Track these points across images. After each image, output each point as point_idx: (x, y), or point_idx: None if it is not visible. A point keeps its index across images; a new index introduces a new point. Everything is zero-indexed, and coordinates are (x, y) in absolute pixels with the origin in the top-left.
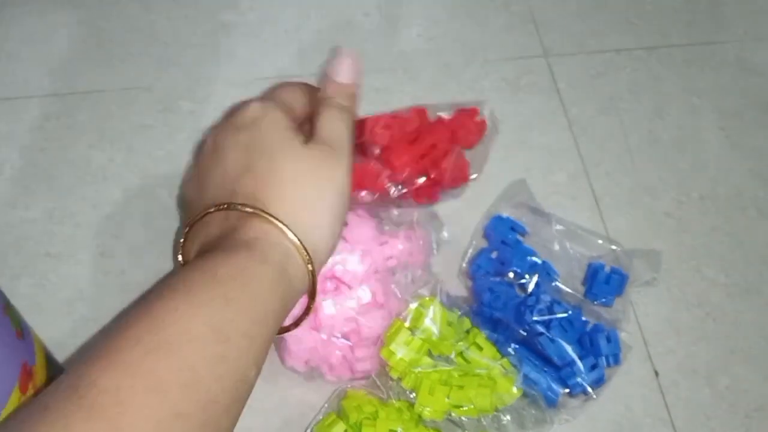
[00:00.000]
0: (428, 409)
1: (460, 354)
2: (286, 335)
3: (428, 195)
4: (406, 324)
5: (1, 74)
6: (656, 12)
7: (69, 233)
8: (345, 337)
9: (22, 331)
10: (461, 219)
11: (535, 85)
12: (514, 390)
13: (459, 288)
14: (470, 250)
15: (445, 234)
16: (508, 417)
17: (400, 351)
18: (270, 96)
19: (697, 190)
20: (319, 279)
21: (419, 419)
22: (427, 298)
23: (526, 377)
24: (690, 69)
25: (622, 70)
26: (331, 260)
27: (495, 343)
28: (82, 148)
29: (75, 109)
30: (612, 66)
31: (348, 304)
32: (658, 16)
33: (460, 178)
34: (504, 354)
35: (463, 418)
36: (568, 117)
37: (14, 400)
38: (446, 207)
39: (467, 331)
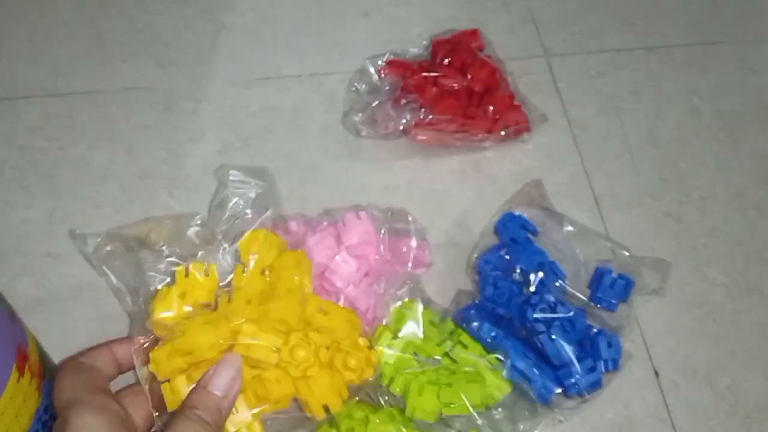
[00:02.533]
0: (419, 410)
1: (446, 354)
2: None
3: (487, 128)
4: (389, 326)
5: (1, 74)
6: (656, 12)
7: (69, 233)
8: None
9: (13, 313)
10: (471, 214)
11: (535, 85)
12: (505, 385)
13: (465, 283)
14: (480, 246)
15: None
16: (500, 410)
17: (386, 352)
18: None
19: (697, 190)
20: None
21: (410, 423)
22: (408, 300)
23: (514, 368)
24: (690, 69)
25: (622, 70)
26: (325, 260)
27: (494, 338)
28: (82, 148)
29: (75, 109)
30: (612, 66)
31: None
32: (658, 16)
33: (519, 121)
34: (496, 348)
35: (456, 419)
36: (568, 117)
37: (13, 381)
38: (454, 203)
39: (451, 333)
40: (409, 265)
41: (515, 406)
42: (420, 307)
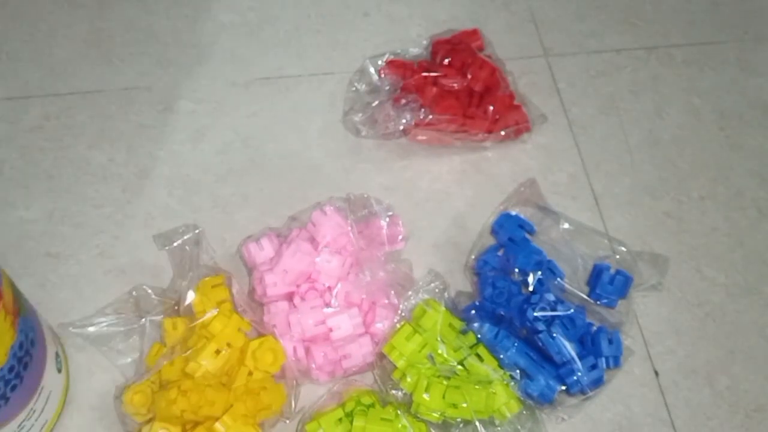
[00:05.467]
0: (424, 408)
1: (461, 362)
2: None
3: (486, 127)
4: (409, 321)
5: (1, 74)
6: (656, 12)
7: (69, 233)
8: (314, 340)
9: None
10: (471, 214)
11: (535, 85)
12: (514, 404)
13: (464, 283)
14: (478, 246)
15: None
16: (502, 424)
17: (403, 346)
18: None
19: (697, 190)
20: (293, 281)
21: (414, 419)
22: (432, 299)
23: (523, 379)
24: (690, 69)
25: (622, 70)
26: (307, 264)
27: (496, 336)
28: (82, 148)
29: (75, 109)
30: (612, 66)
31: (318, 307)
32: (658, 16)
33: (519, 121)
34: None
35: (460, 422)
36: (568, 117)
37: None
38: (454, 203)
39: (471, 347)
40: (385, 244)
41: (518, 425)
42: (440, 306)
